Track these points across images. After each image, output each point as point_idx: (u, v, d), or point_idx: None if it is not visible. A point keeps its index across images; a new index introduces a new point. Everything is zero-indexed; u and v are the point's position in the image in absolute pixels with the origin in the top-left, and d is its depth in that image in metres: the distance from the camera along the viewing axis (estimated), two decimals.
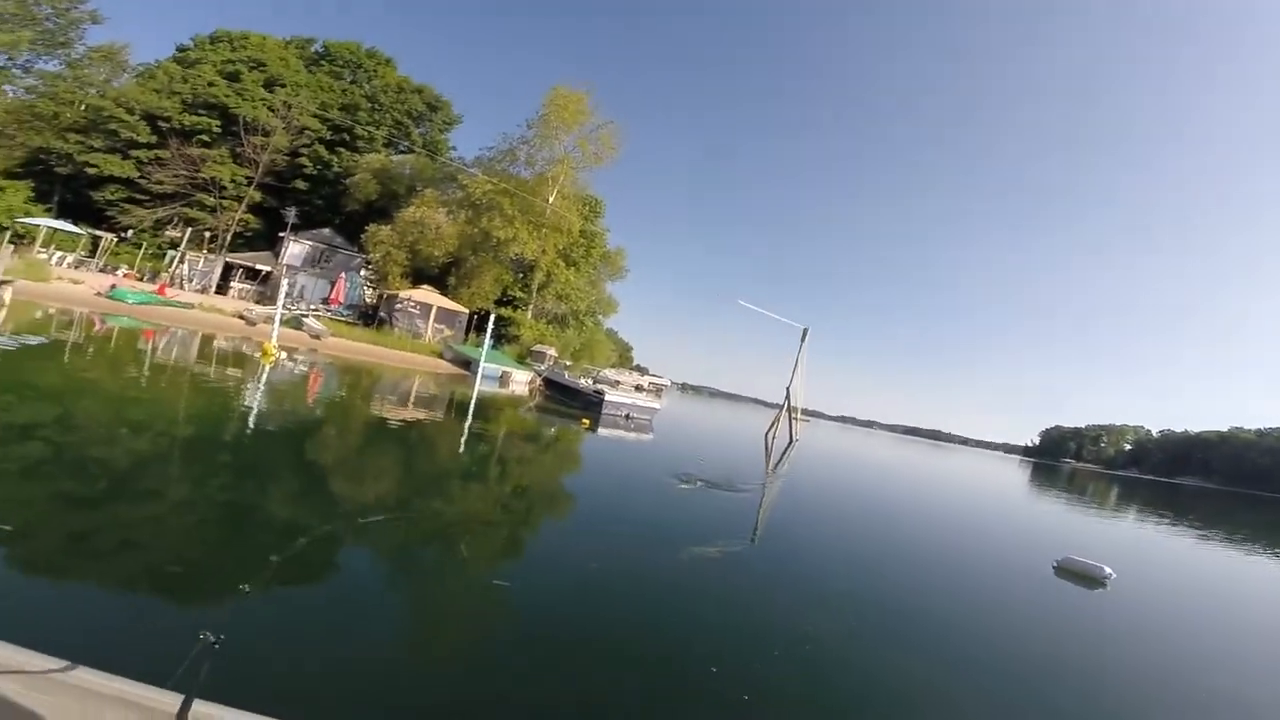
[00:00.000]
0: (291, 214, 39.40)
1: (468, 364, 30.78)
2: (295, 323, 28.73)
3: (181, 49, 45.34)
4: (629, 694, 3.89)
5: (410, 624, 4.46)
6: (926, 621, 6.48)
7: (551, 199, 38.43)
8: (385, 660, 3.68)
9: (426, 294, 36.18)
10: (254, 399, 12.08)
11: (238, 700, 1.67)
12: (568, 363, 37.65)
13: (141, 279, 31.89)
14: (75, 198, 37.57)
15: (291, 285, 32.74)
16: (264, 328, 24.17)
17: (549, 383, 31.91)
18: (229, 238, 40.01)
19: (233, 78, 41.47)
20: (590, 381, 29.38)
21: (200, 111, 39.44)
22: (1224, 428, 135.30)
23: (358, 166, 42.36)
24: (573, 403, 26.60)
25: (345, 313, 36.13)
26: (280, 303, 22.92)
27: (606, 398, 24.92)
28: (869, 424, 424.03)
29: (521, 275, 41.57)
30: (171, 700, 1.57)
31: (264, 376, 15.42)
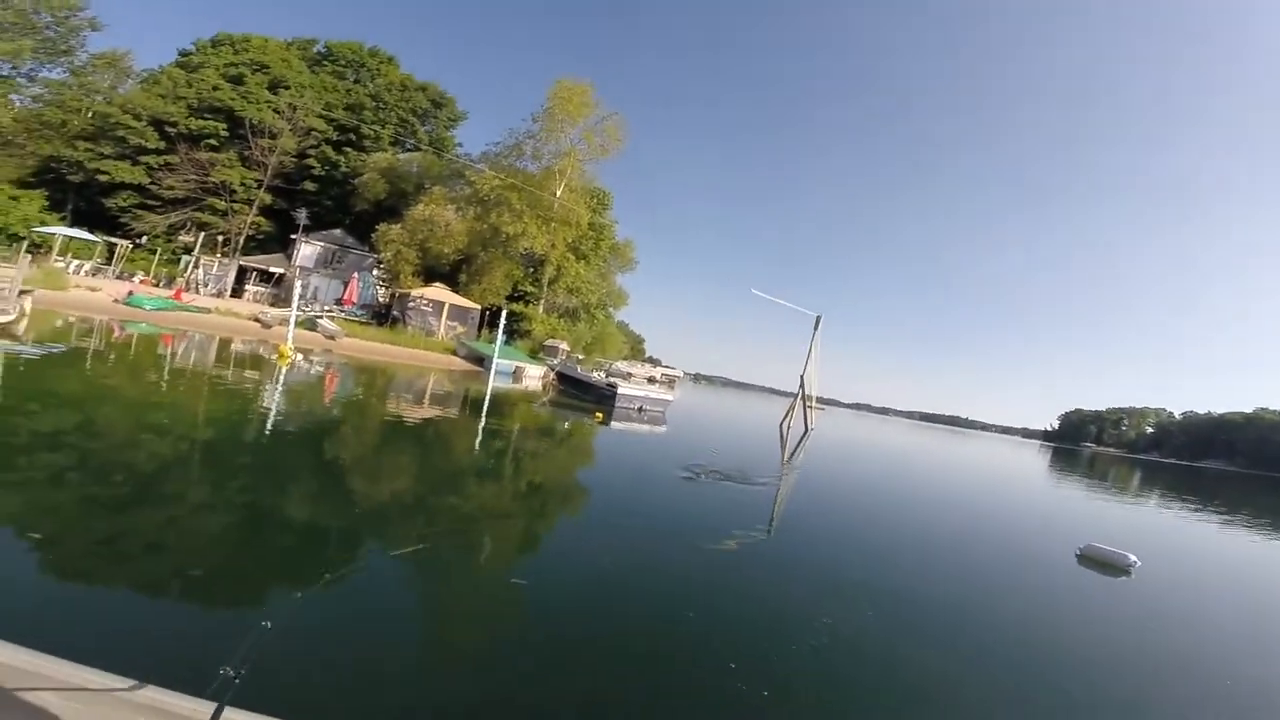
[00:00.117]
0: (303, 215, 39.69)
1: (481, 360, 30.97)
2: (310, 324, 29.05)
3: (184, 54, 45.55)
4: (647, 692, 3.88)
5: (431, 625, 4.50)
6: (947, 613, 6.41)
7: (559, 192, 38.37)
8: (409, 663, 3.72)
9: (438, 292, 36.39)
10: (272, 401, 12.23)
11: (263, 706, 1.67)
12: (580, 356, 37.74)
13: (157, 285, 32.36)
14: (89, 205, 38.10)
15: (305, 287, 33.04)
16: (279, 330, 24.45)
17: (562, 377, 32.00)
18: (241, 241, 40.38)
19: (237, 81, 41.61)
20: (603, 375, 29.44)
21: (206, 116, 39.68)
22: (1249, 409, 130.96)
23: (365, 166, 42.52)
24: (586, 396, 26.67)
25: (359, 313, 36.41)
26: (295, 305, 23.18)
27: (619, 391, 24.97)
28: (884, 410, 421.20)
29: (532, 270, 41.58)
30: (204, 709, 1.57)
31: (281, 378, 15.62)
